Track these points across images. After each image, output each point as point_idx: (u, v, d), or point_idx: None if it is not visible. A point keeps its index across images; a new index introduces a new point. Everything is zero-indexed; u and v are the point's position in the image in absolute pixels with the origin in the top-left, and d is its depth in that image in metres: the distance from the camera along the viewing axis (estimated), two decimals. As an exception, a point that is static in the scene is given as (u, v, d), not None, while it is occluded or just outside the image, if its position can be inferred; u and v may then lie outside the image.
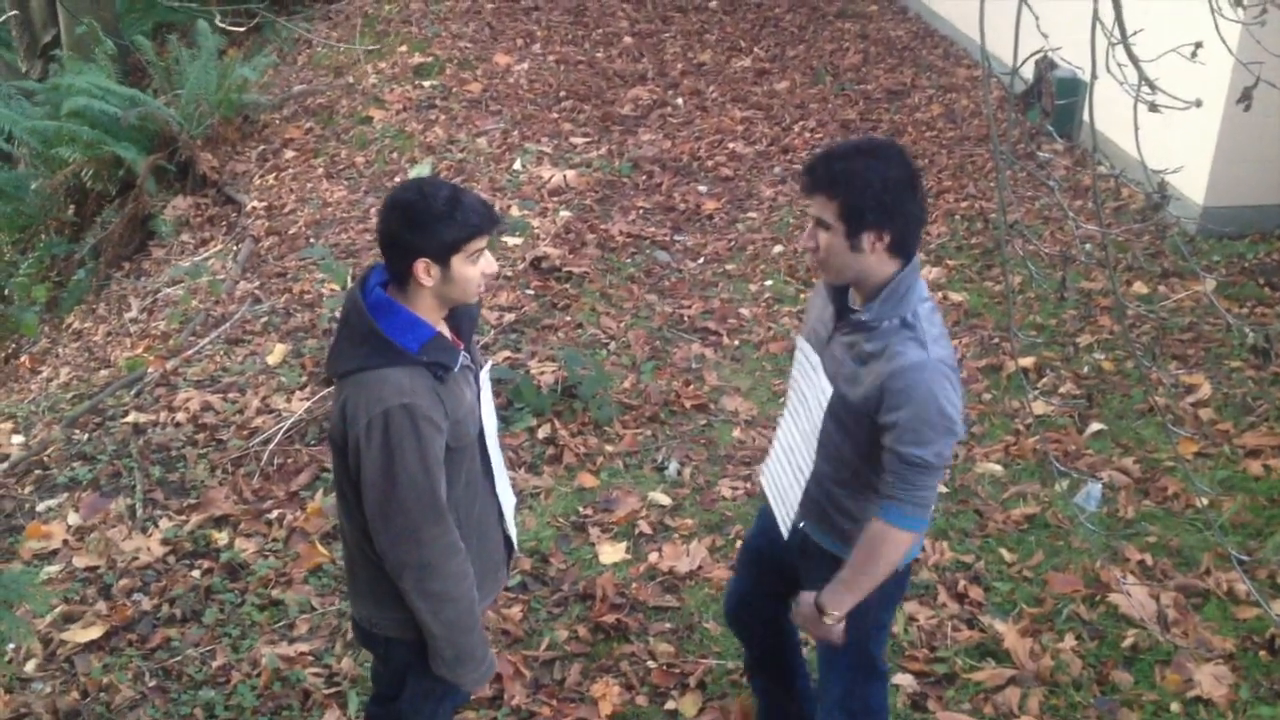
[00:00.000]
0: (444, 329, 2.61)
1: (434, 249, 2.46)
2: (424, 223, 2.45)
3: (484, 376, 2.76)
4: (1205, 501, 4.72)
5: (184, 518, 4.60)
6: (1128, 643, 3.98)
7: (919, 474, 2.62)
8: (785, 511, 2.96)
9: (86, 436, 5.17)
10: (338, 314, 2.57)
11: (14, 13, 10.37)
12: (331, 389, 5.25)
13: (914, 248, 2.70)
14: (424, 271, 2.48)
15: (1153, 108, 2.32)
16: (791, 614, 2.96)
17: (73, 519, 4.61)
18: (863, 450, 2.74)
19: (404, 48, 10.04)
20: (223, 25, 8.44)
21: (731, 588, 3.44)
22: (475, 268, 2.53)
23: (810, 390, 2.84)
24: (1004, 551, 4.47)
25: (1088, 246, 6.86)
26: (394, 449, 2.46)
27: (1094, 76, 2.33)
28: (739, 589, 3.38)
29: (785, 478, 2.99)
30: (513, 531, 2.93)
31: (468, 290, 2.55)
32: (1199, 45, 2.64)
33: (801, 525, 2.97)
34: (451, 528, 2.56)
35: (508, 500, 2.90)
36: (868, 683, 3.09)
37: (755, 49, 10.37)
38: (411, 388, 2.47)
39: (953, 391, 2.63)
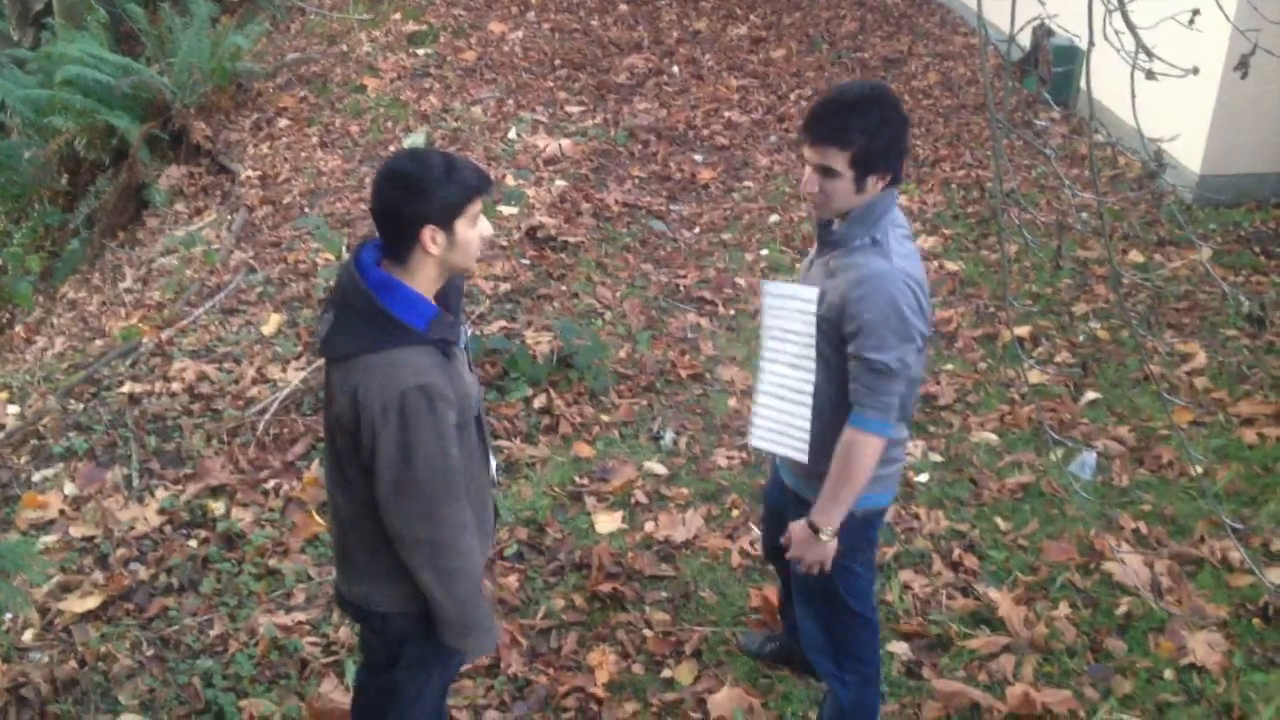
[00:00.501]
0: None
1: (437, 214, 2.44)
2: (424, 189, 2.42)
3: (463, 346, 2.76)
4: (1200, 470, 4.73)
5: (180, 488, 4.60)
6: (1121, 610, 3.99)
7: (881, 379, 2.71)
8: (795, 444, 2.94)
9: (82, 406, 5.17)
10: (332, 286, 2.48)
11: (5, -19, 10.31)
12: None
13: (901, 177, 2.82)
14: (430, 239, 2.45)
15: (1150, 75, 2.31)
16: (784, 544, 2.99)
17: (69, 489, 4.61)
18: (836, 379, 2.83)
19: (398, 15, 9.98)
20: (215, -6, 8.39)
21: (762, 537, 3.58)
22: (475, 231, 2.51)
23: (790, 316, 2.89)
24: (999, 520, 4.48)
25: (1084, 215, 6.85)
26: (411, 430, 2.44)
27: (1091, 44, 2.32)
28: (765, 539, 3.51)
29: (783, 412, 2.97)
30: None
31: (469, 255, 2.53)
32: (1196, 13, 2.63)
33: (788, 482, 3.08)
34: (465, 505, 2.55)
35: (493, 469, 2.91)
36: (851, 630, 3.14)
37: (751, 17, 10.32)
38: (425, 367, 2.46)
39: (915, 301, 2.72)
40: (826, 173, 2.73)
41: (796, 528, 2.93)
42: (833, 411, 2.85)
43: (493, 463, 2.89)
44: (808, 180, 2.79)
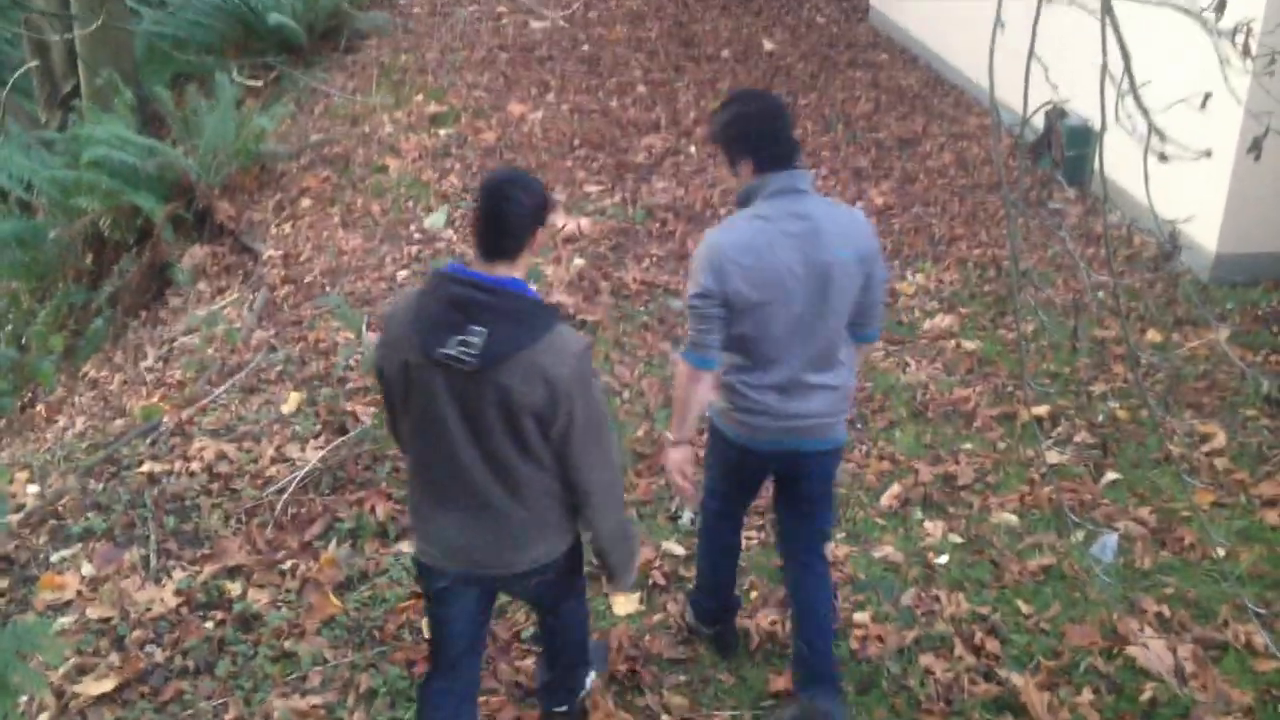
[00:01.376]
0: None
1: (544, 217, 3.07)
2: (544, 194, 3.07)
3: None
4: (1222, 552, 4.69)
5: (197, 568, 4.60)
6: (1146, 696, 3.94)
7: (688, 316, 3.49)
8: None
9: (101, 486, 5.19)
10: (458, 307, 2.98)
11: (34, 63, 10.49)
12: (346, 437, 5.29)
13: (778, 166, 3.45)
14: (537, 238, 3.06)
15: (1162, 158, 2.33)
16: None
17: (87, 569, 4.61)
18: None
19: (420, 97, 10.13)
20: (240, 80, 8.53)
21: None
22: None
23: None
24: (1020, 603, 4.44)
25: (1100, 294, 6.85)
26: (593, 386, 3.03)
27: (1104, 127, 2.34)
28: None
29: None
30: None
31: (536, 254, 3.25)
32: (1208, 96, 2.66)
33: None
34: None
35: None
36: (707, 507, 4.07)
37: (768, 98, 10.42)
38: (574, 333, 3.08)
39: (709, 262, 3.41)
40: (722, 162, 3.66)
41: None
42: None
43: None
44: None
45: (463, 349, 2.91)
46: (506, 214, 2.98)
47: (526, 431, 2.98)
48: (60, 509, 5.04)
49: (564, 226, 7.70)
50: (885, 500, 5.12)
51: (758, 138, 3.47)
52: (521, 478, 3.06)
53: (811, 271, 3.39)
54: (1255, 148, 2.78)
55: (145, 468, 5.24)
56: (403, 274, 7.17)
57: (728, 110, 3.54)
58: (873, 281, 3.53)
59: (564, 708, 3.74)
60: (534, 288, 6.60)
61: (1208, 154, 2.45)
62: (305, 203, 8.61)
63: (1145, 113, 2.28)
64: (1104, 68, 2.23)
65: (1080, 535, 4.82)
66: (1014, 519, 4.98)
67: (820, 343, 3.50)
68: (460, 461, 3.05)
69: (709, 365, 3.49)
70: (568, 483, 3.10)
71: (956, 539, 4.85)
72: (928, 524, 4.95)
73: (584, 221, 7.78)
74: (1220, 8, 2.46)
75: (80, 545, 4.78)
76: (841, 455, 3.96)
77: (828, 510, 3.95)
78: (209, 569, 4.57)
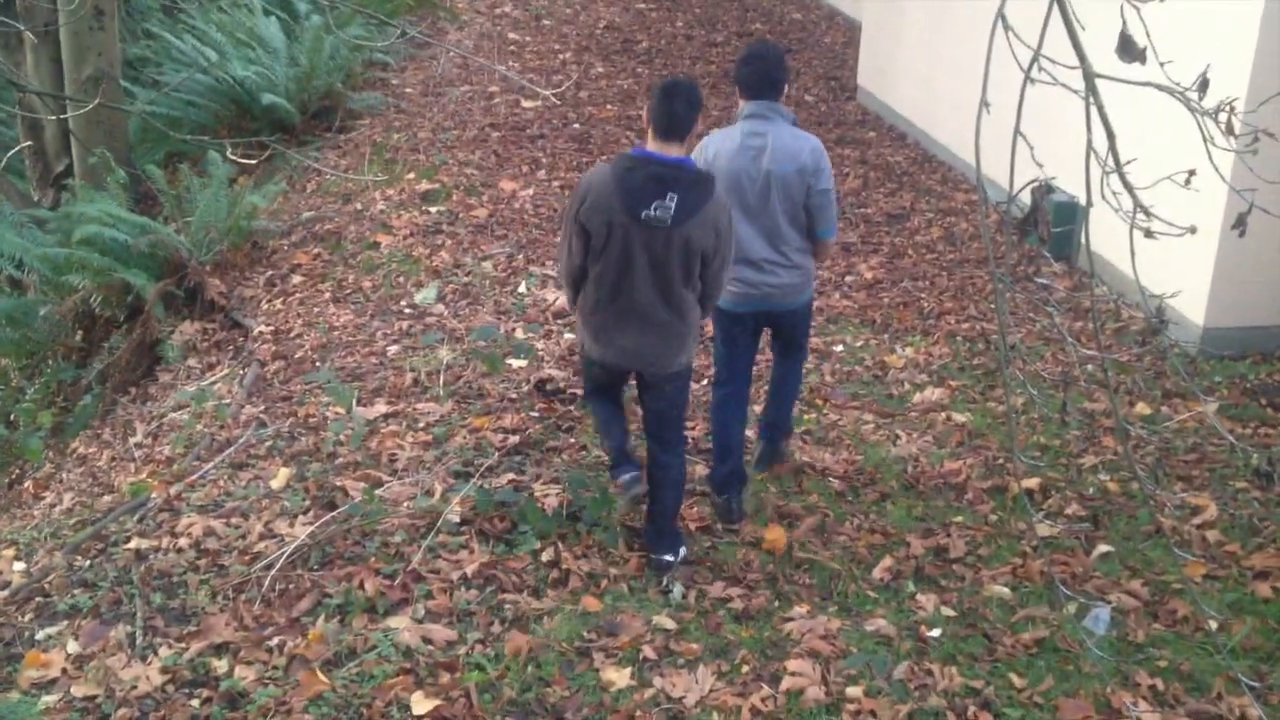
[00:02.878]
0: None
1: (700, 111, 4.62)
2: (699, 95, 4.62)
3: None
4: (1215, 625, 4.67)
5: (184, 645, 4.55)
6: (1142, 771, 3.91)
7: None
8: None
9: (88, 563, 5.15)
10: (656, 180, 4.50)
11: (28, 143, 10.57)
12: (336, 512, 5.27)
13: (754, 96, 5.16)
14: (698, 126, 4.57)
15: (1148, 234, 2.36)
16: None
17: (72, 647, 4.56)
18: None
19: (412, 175, 10.22)
20: (233, 157, 8.60)
21: None
22: None
23: None
24: (1014, 676, 4.41)
25: (1089, 368, 6.89)
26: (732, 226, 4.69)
27: (1089, 204, 2.37)
28: None
29: None
30: None
31: None
32: (1192, 173, 2.69)
33: None
34: None
35: None
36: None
37: (756, 175, 10.54)
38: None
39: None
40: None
41: None
42: None
43: None
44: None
45: (660, 211, 4.38)
46: (677, 111, 4.44)
47: (693, 267, 4.51)
48: (47, 586, 5.00)
49: (554, 301, 7.74)
50: (877, 573, 5.11)
51: (745, 75, 5.09)
52: (683, 301, 4.59)
53: (759, 177, 4.99)
54: (1240, 224, 2.81)
55: (132, 544, 5.20)
56: (393, 349, 7.19)
57: (741, 56, 5.20)
58: (813, 191, 5.03)
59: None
60: (525, 362, 6.62)
61: (1193, 230, 2.47)
62: (296, 279, 8.65)
63: (1130, 189, 2.31)
64: (1089, 145, 2.27)
65: (1073, 608, 4.81)
66: (1006, 592, 4.97)
67: (769, 231, 5.06)
68: (643, 292, 4.54)
69: None
70: (704, 294, 4.69)
71: (949, 612, 4.83)
72: (920, 597, 4.94)
73: (574, 297, 7.81)
74: (1203, 87, 2.50)
75: (66, 622, 4.73)
76: (810, 310, 5.57)
77: (804, 341, 5.71)
78: (195, 646, 4.52)
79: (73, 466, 7.42)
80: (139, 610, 4.75)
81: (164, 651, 4.50)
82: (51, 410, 8.52)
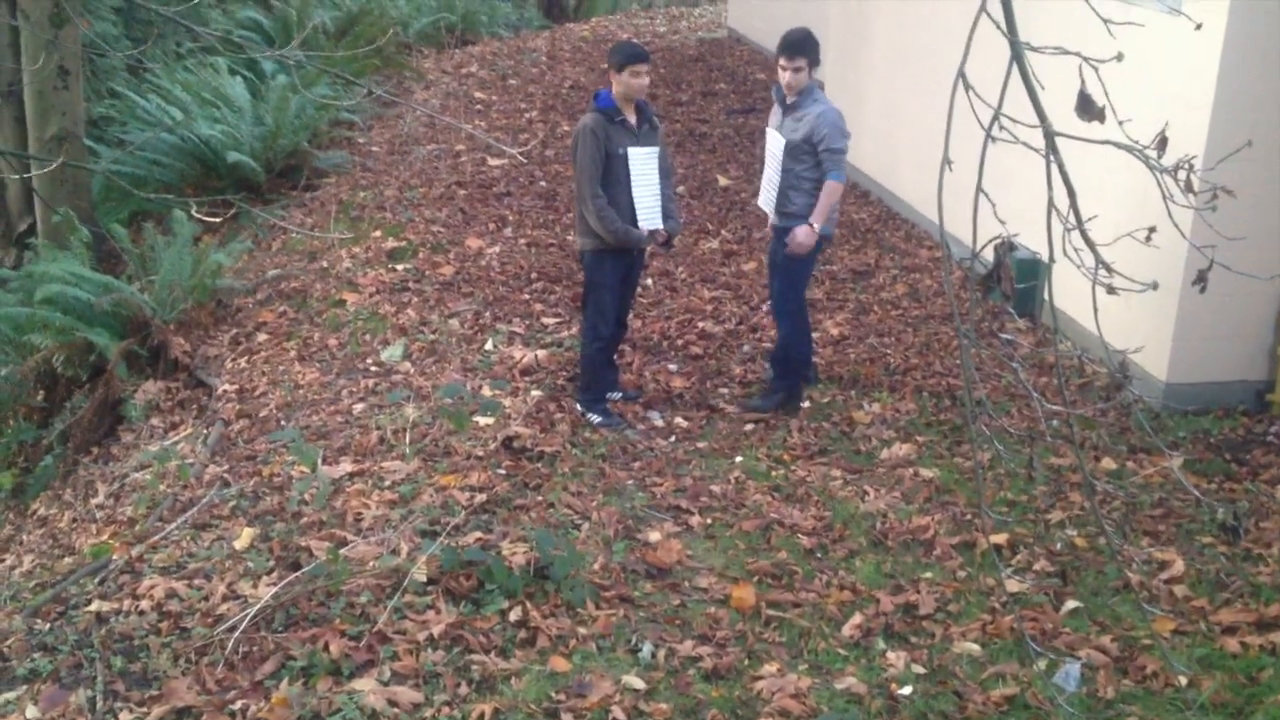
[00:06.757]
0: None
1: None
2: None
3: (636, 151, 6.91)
4: (1184, 680, 4.67)
5: (145, 710, 4.46)
6: (1115, 828, 3.88)
7: (837, 154, 6.74)
8: (769, 206, 7.16)
9: (48, 626, 5.06)
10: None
11: (-9, 202, 10.53)
12: (300, 572, 5.20)
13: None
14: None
15: (1111, 290, 2.38)
16: (788, 243, 6.95)
17: (31, 712, 4.46)
18: (802, 165, 6.84)
19: (378, 233, 10.22)
20: (199, 216, 8.59)
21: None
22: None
23: (773, 148, 7.00)
24: (985, 734, 4.39)
25: (1054, 423, 6.92)
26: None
27: (1052, 260, 2.39)
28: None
29: (767, 194, 7.14)
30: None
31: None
32: (1153, 230, 2.73)
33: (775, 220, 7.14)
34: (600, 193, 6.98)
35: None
36: (796, 293, 7.28)
37: (723, 231, 10.61)
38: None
39: (842, 121, 6.75)
40: (797, 70, 6.73)
41: (799, 229, 6.87)
42: (800, 184, 6.88)
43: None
44: (791, 77, 6.77)
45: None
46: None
47: None
48: (5, 650, 4.90)
49: (521, 358, 7.73)
50: (847, 630, 5.09)
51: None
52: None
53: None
54: (1200, 280, 2.84)
55: (93, 607, 5.12)
56: (359, 407, 7.15)
57: (813, 39, 6.80)
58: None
59: None
60: (492, 420, 6.59)
61: (1154, 286, 2.50)
62: (261, 337, 8.61)
63: (1092, 246, 2.33)
64: (1050, 203, 2.29)
65: (1043, 664, 4.80)
66: (976, 648, 4.95)
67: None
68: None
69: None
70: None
71: (919, 669, 4.81)
72: (890, 654, 4.91)
73: (541, 353, 7.82)
74: (1162, 145, 2.54)
75: (25, 687, 4.63)
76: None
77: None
78: (157, 711, 4.44)
79: (33, 528, 7.31)
80: (99, 674, 4.66)
81: (125, 717, 4.42)
82: (12, 471, 8.42)
